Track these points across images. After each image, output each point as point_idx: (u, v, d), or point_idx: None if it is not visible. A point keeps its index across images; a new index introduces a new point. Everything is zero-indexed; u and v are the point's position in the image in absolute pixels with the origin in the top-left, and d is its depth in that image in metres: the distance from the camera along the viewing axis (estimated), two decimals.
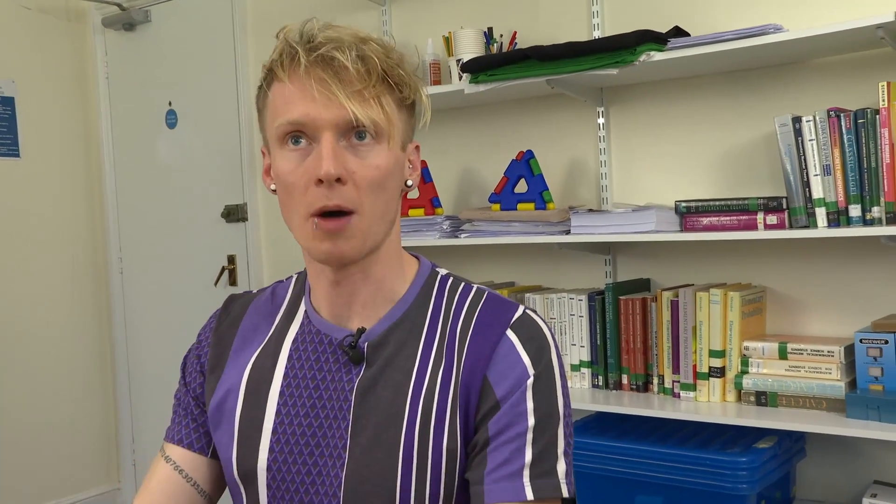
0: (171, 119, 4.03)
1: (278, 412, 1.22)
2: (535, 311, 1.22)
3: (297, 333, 1.27)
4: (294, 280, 1.35)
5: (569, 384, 2.67)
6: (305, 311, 1.28)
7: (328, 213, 1.10)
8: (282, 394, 1.23)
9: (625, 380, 2.61)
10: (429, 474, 1.15)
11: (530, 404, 1.13)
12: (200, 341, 1.35)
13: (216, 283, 3.93)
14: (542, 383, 1.15)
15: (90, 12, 4.25)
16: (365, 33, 1.14)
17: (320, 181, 1.09)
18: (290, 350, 1.26)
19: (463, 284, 1.26)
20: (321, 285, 1.23)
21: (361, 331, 1.20)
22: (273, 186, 1.18)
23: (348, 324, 1.23)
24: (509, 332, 1.17)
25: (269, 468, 1.21)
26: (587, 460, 2.46)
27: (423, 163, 2.91)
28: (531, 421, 1.13)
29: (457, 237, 2.83)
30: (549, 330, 1.21)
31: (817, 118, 2.24)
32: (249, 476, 1.23)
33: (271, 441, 1.22)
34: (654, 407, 2.45)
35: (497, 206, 2.76)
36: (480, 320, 1.19)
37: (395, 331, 1.21)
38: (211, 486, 1.31)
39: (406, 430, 1.16)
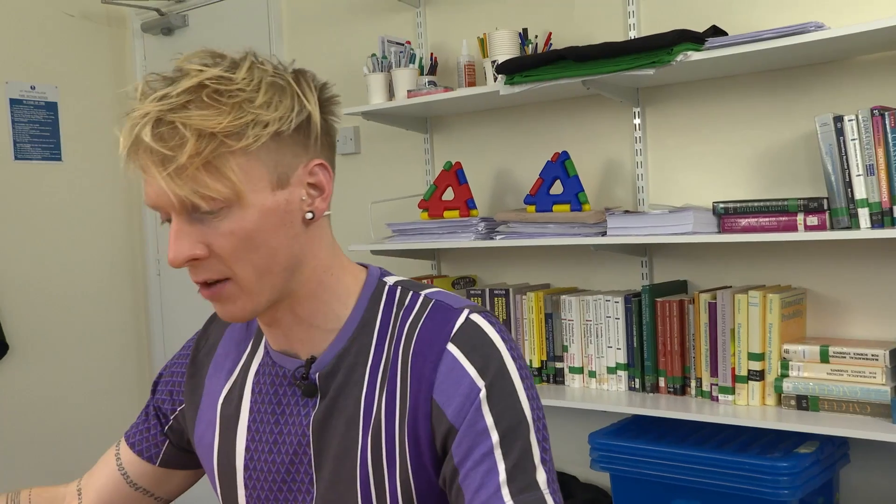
0: None
1: (248, 448, 1.18)
2: (483, 312, 1.12)
3: (259, 366, 1.20)
4: None
5: (605, 387, 2.64)
6: (264, 341, 1.21)
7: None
8: (249, 429, 1.19)
9: (662, 383, 2.55)
10: None
11: (489, 419, 1.04)
12: (175, 370, 1.33)
13: None
14: (497, 393, 1.05)
15: (130, 17, 4.25)
16: (213, 72, 1.00)
17: None
18: (253, 383, 1.20)
19: (411, 294, 1.15)
20: (260, 322, 1.17)
21: (311, 360, 1.13)
22: None
23: (298, 354, 1.16)
24: (450, 346, 1.07)
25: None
26: (624, 464, 2.42)
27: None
28: (494, 437, 1.03)
29: (492, 239, 2.78)
30: (499, 329, 1.10)
31: (860, 117, 2.16)
32: None
33: (244, 478, 1.19)
34: (691, 410, 2.39)
35: (532, 208, 2.72)
36: (421, 337, 1.09)
37: (345, 356, 1.12)
38: (159, 490, 1.34)
39: (360, 463, 1.09)
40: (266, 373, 1.19)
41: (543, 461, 1.05)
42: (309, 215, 1.07)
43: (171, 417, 1.32)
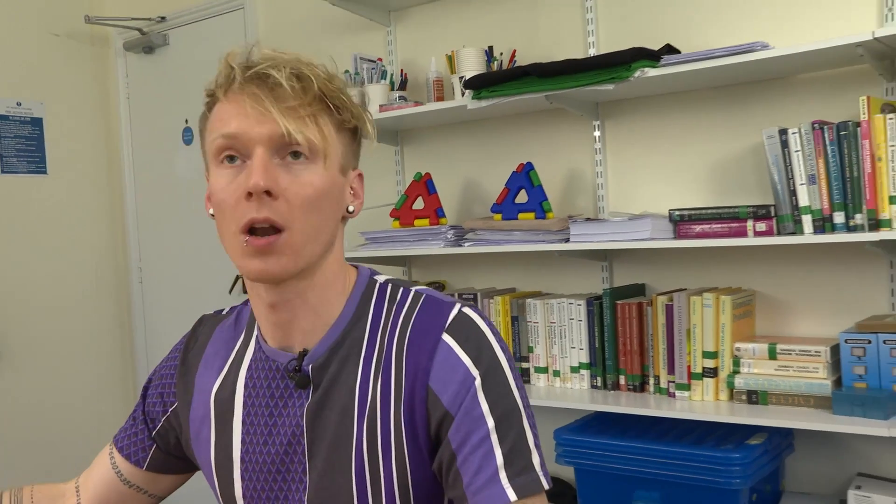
0: (188, 136, 4.07)
1: (243, 441, 1.20)
2: (473, 307, 1.15)
3: (251, 361, 1.22)
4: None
5: (568, 385, 2.70)
6: (256, 336, 1.23)
7: (259, 231, 1.05)
8: (244, 423, 1.20)
9: (622, 381, 2.62)
10: (384, 493, 1.11)
11: (485, 406, 1.07)
12: (165, 372, 1.33)
13: (231, 291, 3.95)
14: (491, 381, 1.09)
15: (112, 37, 4.30)
16: (308, 58, 1.09)
17: (250, 195, 1.03)
18: (246, 378, 1.22)
19: (402, 290, 1.20)
20: (260, 310, 1.17)
21: (304, 353, 1.15)
22: (212, 211, 1.12)
23: (291, 348, 1.17)
24: (445, 336, 1.11)
25: (244, 495, 1.20)
26: (587, 458, 2.46)
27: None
28: (490, 422, 1.07)
29: (460, 246, 2.84)
30: (489, 324, 1.14)
31: (802, 130, 2.25)
32: (231, 503, 1.22)
33: (241, 470, 1.20)
34: (650, 406, 2.45)
35: (499, 216, 2.77)
36: (416, 328, 1.13)
37: (337, 349, 1.15)
38: (151, 489, 1.35)
39: (355, 451, 1.11)
40: (259, 367, 1.20)
41: (536, 445, 1.09)
42: (350, 208, 1.16)
43: (162, 420, 1.31)
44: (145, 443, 1.32)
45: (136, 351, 4.35)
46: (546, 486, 1.08)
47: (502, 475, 1.05)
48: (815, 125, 2.24)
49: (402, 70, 3.17)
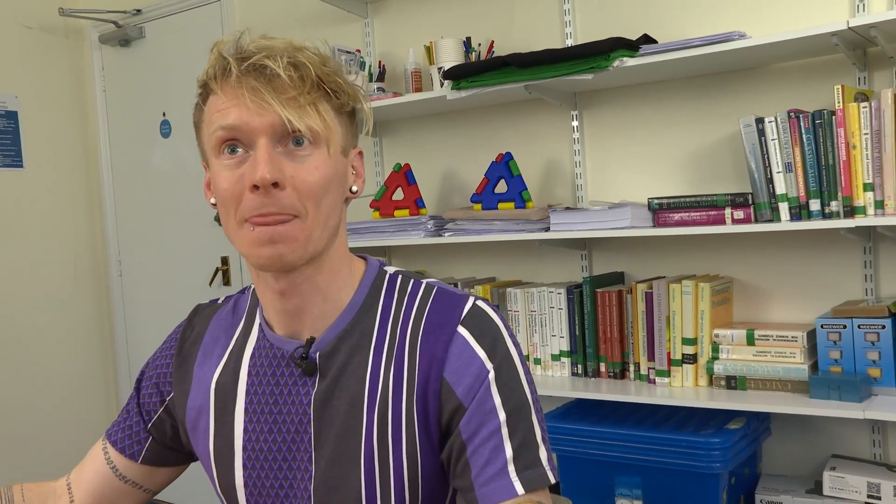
0: (166, 129, 4.01)
1: (245, 429, 1.18)
2: (486, 301, 1.15)
3: (254, 349, 1.20)
4: (251, 291, 1.27)
5: (549, 373, 2.69)
6: (260, 324, 1.21)
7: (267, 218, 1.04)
8: (246, 411, 1.18)
9: (602, 368, 2.62)
10: (392, 483, 1.10)
11: (497, 399, 1.07)
12: (161, 362, 1.29)
13: (210, 283, 3.91)
14: (504, 375, 1.09)
15: (87, 30, 4.23)
16: (300, 43, 1.07)
17: (256, 187, 1.02)
18: (249, 366, 1.20)
19: (412, 282, 1.18)
20: (268, 298, 1.15)
21: (311, 341, 1.14)
22: (213, 200, 1.11)
23: (299, 335, 1.16)
24: (461, 329, 1.10)
25: (245, 485, 1.18)
26: (569, 444, 2.46)
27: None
28: (502, 416, 1.07)
29: (440, 236, 2.83)
30: (502, 318, 1.14)
31: (778, 119, 2.25)
32: (230, 493, 1.20)
33: (243, 459, 1.18)
34: (630, 393, 2.45)
35: (479, 206, 2.76)
36: (430, 320, 1.12)
37: (346, 338, 1.14)
38: (147, 483, 1.32)
39: (365, 440, 1.10)
40: (263, 355, 1.18)
41: (544, 440, 1.09)
42: (354, 188, 1.15)
43: (159, 411, 1.28)
44: (140, 435, 1.29)
45: (116, 344, 4.30)
46: (552, 481, 1.08)
47: (511, 469, 1.05)
48: (791, 114, 2.24)
49: (380, 61, 3.14)
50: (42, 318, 4.01)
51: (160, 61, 4.02)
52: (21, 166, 3.93)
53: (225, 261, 3.87)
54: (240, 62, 1.04)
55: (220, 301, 1.31)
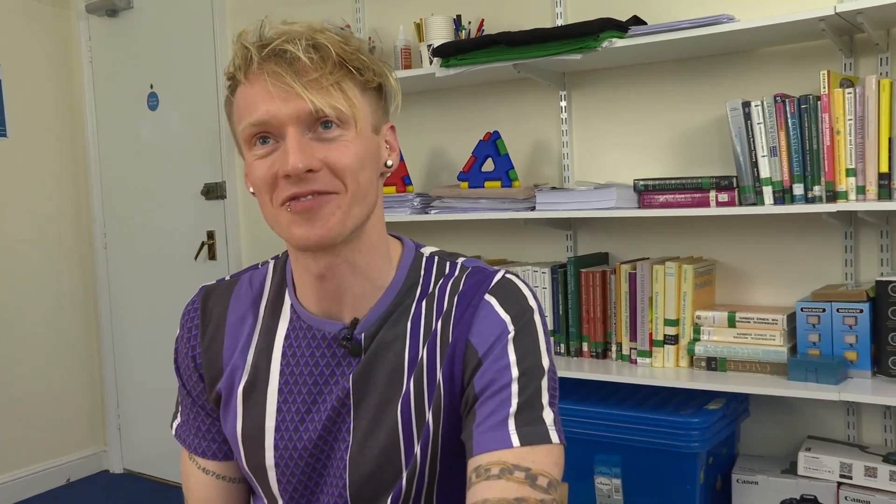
0: (153, 101, 4.00)
1: (279, 409, 1.18)
2: (517, 275, 1.19)
3: (287, 330, 1.20)
4: (270, 269, 1.27)
5: None
6: (291, 305, 1.21)
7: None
8: (280, 391, 1.19)
9: (585, 347, 2.64)
10: (430, 440, 1.13)
11: (512, 357, 1.10)
12: (187, 345, 1.27)
13: (196, 258, 3.91)
14: (523, 338, 1.11)
15: None
16: (320, 25, 1.08)
17: (288, 176, 1.04)
18: (284, 347, 1.20)
19: (449, 263, 1.21)
20: (307, 281, 1.16)
21: (355, 322, 1.15)
22: (251, 189, 1.13)
23: (338, 316, 1.17)
24: (488, 297, 1.14)
25: (276, 465, 1.19)
26: None
27: None
28: (515, 372, 1.09)
29: (427, 213, 2.84)
30: (532, 292, 1.17)
31: (765, 103, 2.27)
32: (259, 471, 1.21)
33: (275, 439, 1.18)
34: (612, 372, 2.48)
35: (465, 184, 2.78)
36: (463, 293, 1.15)
37: (388, 318, 1.16)
38: (240, 474, 1.31)
39: (402, 405, 1.13)
40: (299, 336, 1.19)
41: (551, 405, 1.11)
42: (389, 162, 1.16)
43: (211, 399, 1.26)
44: (213, 432, 1.28)
45: (100, 317, 4.30)
46: (556, 441, 1.08)
47: (511, 422, 1.07)
48: (777, 98, 2.25)
49: (369, 38, 3.14)
50: (26, 290, 4.00)
51: (148, 32, 3.99)
52: (5, 136, 3.91)
53: (211, 235, 3.87)
54: (260, 49, 1.05)
55: (227, 279, 1.30)
